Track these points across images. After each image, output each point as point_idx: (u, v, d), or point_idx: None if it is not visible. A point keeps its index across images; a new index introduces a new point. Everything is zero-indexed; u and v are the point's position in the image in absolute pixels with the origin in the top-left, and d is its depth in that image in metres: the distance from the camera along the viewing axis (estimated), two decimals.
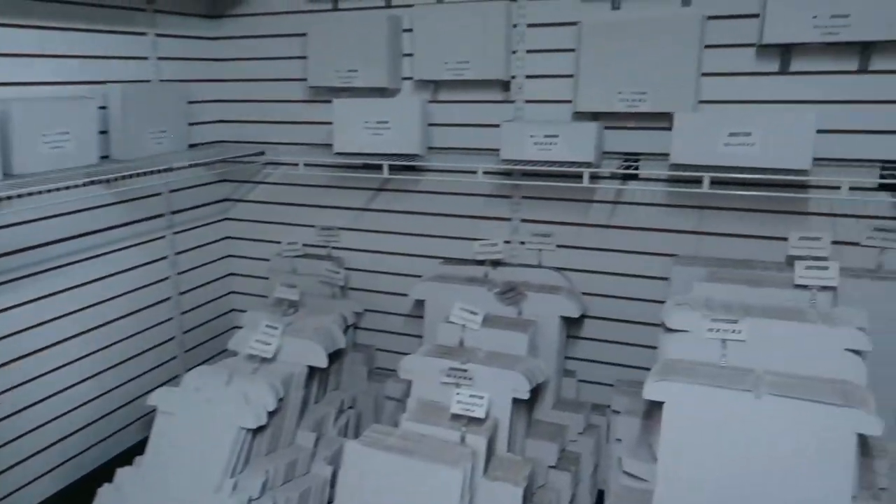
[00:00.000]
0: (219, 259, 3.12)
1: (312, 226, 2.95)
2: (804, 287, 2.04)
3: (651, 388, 1.84)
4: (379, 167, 2.45)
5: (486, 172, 2.26)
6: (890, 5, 1.90)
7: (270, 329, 2.48)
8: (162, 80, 2.71)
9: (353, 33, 2.56)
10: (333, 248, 2.94)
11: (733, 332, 1.94)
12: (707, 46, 2.18)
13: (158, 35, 2.68)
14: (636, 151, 2.35)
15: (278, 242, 3.00)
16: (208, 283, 3.07)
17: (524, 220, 2.58)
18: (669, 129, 2.27)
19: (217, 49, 2.95)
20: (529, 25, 2.42)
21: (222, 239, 3.12)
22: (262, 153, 2.80)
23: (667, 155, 2.29)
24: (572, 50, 2.36)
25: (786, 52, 2.12)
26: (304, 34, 2.74)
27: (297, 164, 2.54)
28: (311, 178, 2.89)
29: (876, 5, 1.92)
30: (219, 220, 3.09)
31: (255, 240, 3.10)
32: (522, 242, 2.59)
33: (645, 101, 2.23)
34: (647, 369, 2.47)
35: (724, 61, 2.19)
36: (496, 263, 2.57)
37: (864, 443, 1.69)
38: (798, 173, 1.97)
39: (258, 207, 3.05)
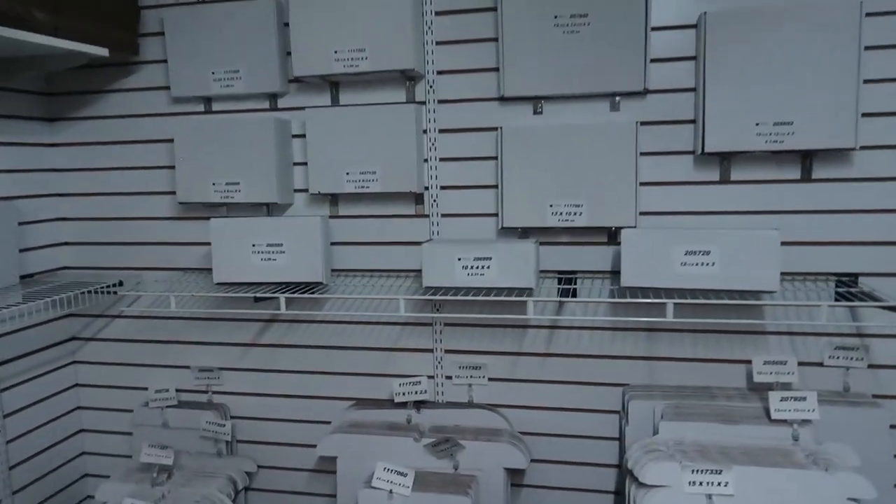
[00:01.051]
0: (66, 413, 2.48)
1: (187, 367, 2.42)
2: (783, 421, 1.81)
3: None
4: (273, 300, 2.01)
5: (407, 300, 1.90)
6: (834, 111, 1.78)
7: None
8: None
9: (233, 140, 2.15)
10: (214, 392, 2.41)
11: (719, 484, 1.66)
12: (642, 154, 1.98)
13: None
14: (572, 269, 2.08)
15: (144, 389, 2.43)
16: (52, 445, 2.42)
17: (449, 351, 2.21)
18: (608, 243, 2.05)
19: (55, 158, 2.42)
20: (441, 131, 2.13)
21: (70, 388, 2.50)
22: (119, 283, 2.26)
23: (607, 272, 2.06)
24: (492, 158, 2.09)
25: (726, 160, 1.95)
26: (170, 140, 2.30)
27: (166, 297, 2.04)
28: (185, 309, 2.38)
29: (819, 113, 1.79)
30: (65, 366, 2.48)
31: (112, 386, 2.50)
32: (449, 377, 2.22)
33: (581, 214, 1.97)
34: None
35: (661, 170, 1.99)
36: (420, 404, 2.18)
37: None
38: (765, 295, 1.77)
39: (116, 347, 2.48)
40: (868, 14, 1.77)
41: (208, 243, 2.32)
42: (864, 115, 1.80)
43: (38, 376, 2.36)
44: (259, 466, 2.38)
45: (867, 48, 1.78)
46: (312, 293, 2.00)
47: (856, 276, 1.91)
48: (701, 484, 1.68)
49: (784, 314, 1.96)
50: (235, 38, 2.16)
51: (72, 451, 2.51)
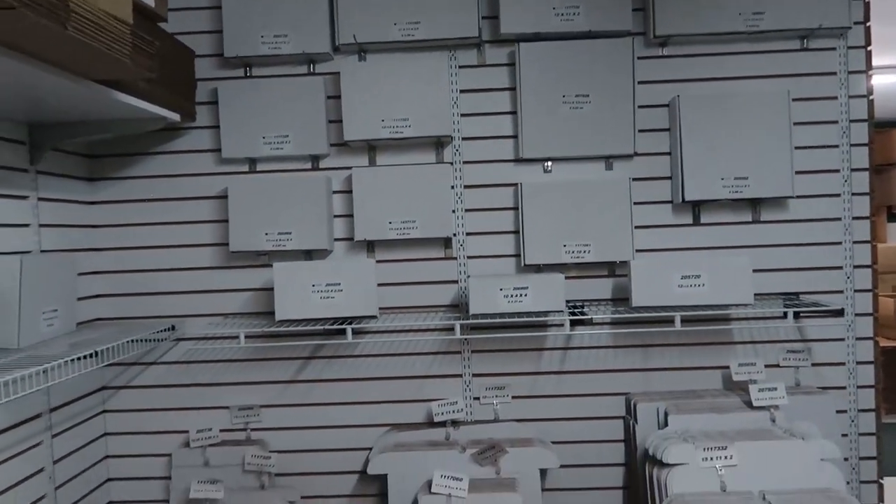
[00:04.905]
0: (94, 464, 2.52)
1: (224, 408, 2.57)
2: (762, 408, 2.29)
3: None
4: (340, 332, 2.29)
5: (464, 326, 2.25)
6: (776, 169, 2.38)
7: None
8: (43, 251, 2.27)
9: (286, 195, 2.44)
10: (253, 430, 2.58)
11: (726, 458, 2.10)
12: (634, 203, 2.48)
13: (41, 199, 2.28)
14: (580, 298, 2.51)
15: (181, 432, 2.55)
16: (83, 497, 2.45)
17: (476, 375, 2.55)
18: (608, 275, 2.51)
19: (92, 215, 2.57)
20: (466, 186, 2.53)
21: (99, 437, 2.56)
22: (172, 328, 2.43)
23: (609, 299, 2.51)
24: (510, 208, 2.52)
25: (697, 207, 2.49)
26: (213, 197, 2.54)
27: (236, 337, 2.25)
28: (219, 352, 2.56)
29: (767, 169, 2.38)
30: (94, 416, 2.54)
31: (144, 432, 2.59)
32: (476, 398, 2.54)
33: (590, 252, 2.43)
34: None
35: (647, 216, 2.50)
36: (455, 423, 2.48)
37: None
38: (743, 307, 2.29)
39: (149, 393, 2.59)
40: (794, 99, 2.41)
41: (251, 289, 2.55)
42: (796, 172, 2.41)
43: (76, 425, 2.42)
44: (302, 496, 2.54)
45: (795, 123, 2.41)
46: (370, 326, 2.29)
47: (797, 293, 2.48)
48: (711, 459, 2.11)
49: (748, 327, 2.48)
50: (285, 108, 2.48)
51: (100, 501, 2.55)
